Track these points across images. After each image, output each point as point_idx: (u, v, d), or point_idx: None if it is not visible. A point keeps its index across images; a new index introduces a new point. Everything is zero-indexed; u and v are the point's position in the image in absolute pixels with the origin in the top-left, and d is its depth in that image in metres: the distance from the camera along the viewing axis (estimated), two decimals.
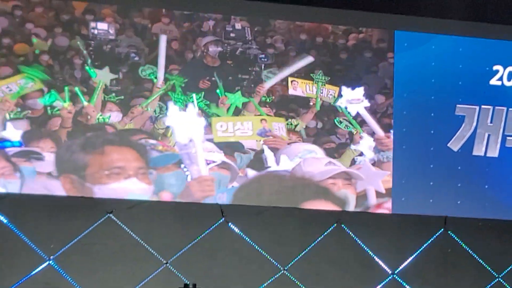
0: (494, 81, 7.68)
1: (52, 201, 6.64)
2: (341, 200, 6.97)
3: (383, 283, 7.14)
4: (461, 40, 7.65)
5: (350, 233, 7.14)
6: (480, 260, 7.28)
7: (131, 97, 6.81)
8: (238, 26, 7.00)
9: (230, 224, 6.93)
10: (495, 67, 7.69)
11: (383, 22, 7.55)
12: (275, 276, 6.94)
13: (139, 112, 6.75)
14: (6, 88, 6.62)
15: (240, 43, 7.00)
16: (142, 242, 6.74)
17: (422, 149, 7.45)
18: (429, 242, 7.26)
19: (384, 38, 7.45)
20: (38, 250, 6.55)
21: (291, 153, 7.00)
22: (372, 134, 7.22)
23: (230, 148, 6.91)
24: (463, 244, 7.30)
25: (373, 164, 7.18)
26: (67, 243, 6.60)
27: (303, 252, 7.01)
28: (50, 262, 6.57)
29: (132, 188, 6.59)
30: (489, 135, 7.61)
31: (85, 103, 6.68)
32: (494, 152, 7.59)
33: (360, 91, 7.21)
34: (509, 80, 7.71)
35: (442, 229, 7.30)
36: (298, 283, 6.98)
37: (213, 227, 6.88)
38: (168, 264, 6.76)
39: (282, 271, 6.97)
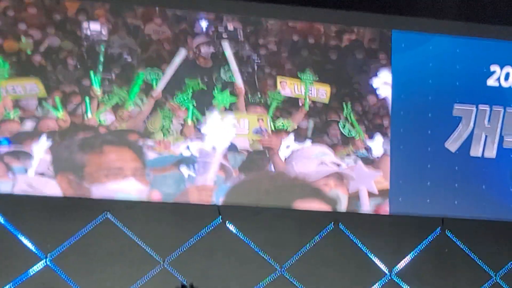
0: (491, 82, 7.70)
1: (49, 201, 6.63)
2: (333, 200, 6.99)
3: (381, 283, 7.14)
4: (459, 40, 7.66)
5: (348, 233, 7.14)
6: (477, 260, 7.30)
7: (124, 99, 6.83)
8: (230, 27, 7.01)
9: (227, 224, 6.92)
10: (492, 68, 7.70)
11: (381, 23, 7.57)
12: (273, 276, 6.94)
13: (127, 115, 6.74)
14: (11, 89, 6.62)
15: (233, 44, 7.03)
16: (139, 242, 6.73)
17: (419, 150, 7.46)
18: (426, 242, 7.26)
19: (375, 39, 7.46)
20: (35, 250, 6.54)
21: (303, 156, 7.03)
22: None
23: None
24: (460, 244, 7.31)
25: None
26: (64, 243, 6.59)
27: (301, 252, 7.02)
28: (47, 262, 6.55)
29: (129, 188, 6.61)
30: (486, 136, 7.62)
31: (90, 116, 6.66)
32: (491, 153, 7.60)
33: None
34: (506, 80, 7.72)
35: (439, 229, 7.31)
36: (296, 283, 6.97)
37: (210, 227, 6.88)
38: (165, 264, 6.75)
39: (280, 271, 6.97)
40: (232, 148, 6.94)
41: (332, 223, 7.11)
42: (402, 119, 7.47)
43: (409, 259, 7.20)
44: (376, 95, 7.34)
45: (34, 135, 6.62)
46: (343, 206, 7.01)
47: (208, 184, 6.76)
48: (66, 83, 6.73)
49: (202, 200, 6.77)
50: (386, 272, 7.16)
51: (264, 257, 6.94)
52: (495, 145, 7.61)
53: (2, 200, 6.51)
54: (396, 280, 7.16)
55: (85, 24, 6.73)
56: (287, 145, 7.03)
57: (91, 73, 6.72)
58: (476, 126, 7.60)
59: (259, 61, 7.01)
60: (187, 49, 6.89)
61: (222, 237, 6.89)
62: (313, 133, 7.11)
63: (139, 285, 6.66)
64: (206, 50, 6.95)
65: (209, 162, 6.72)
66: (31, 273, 6.49)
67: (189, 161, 6.78)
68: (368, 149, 7.22)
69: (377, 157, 7.22)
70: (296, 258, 7.00)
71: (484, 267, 7.30)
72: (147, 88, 6.85)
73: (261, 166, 6.97)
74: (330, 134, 7.16)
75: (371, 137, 7.27)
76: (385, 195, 7.19)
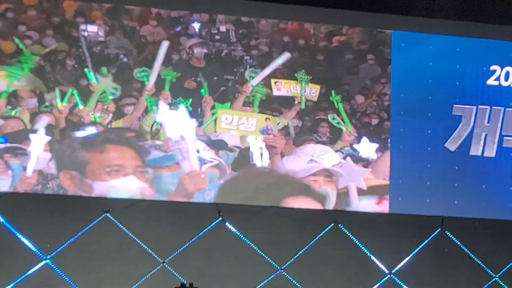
0: (491, 81, 7.69)
1: (49, 200, 6.64)
2: (322, 197, 7.03)
3: (380, 283, 7.14)
4: (458, 40, 7.66)
5: (347, 233, 7.14)
6: (477, 260, 7.29)
7: (121, 97, 6.95)
8: (222, 28, 7.15)
9: (227, 223, 6.93)
10: (492, 67, 7.70)
11: (381, 22, 7.57)
12: (272, 276, 6.94)
13: (112, 109, 6.87)
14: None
15: (225, 45, 7.16)
16: (138, 241, 6.74)
17: (419, 149, 7.46)
18: (426, 242, 7.26)
19: (365, 40, 7.50)
20: (35, 250, 6.55)
21: (305, 153, 7.09)
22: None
23: (216, 146, 7.02)
24: (460, 244, 7.31)
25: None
26: (64, 243, 6.60)
27: (300, 252, 7.02)
28: (47, 261, 6.56)
29: (130, 185, 6.67)
30: (486, 135, 7.61)
31: (81, 107, 6.78)
32: (491, 152, 7.59)
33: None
34: (506, 80, 7.71)
35: (439, 229, 7.30)
36: (295, 283, 6.98)
37: (210, 226, 6.89)
38: (165, 264, 6.76)
39: (279, 271, 6.97)
40: (223, 145, 7.03)
41: (332, 223, 7.12)
42: (402, 119, 7.47)
43: (408, 259, 7.20)
44: (365, 95, 7.41)
45: (32, 131, 6.70)
46: (332, 203, 7.04)
47: (196, 169, 6.80)
48: (65, 83, 6.84)
49: (197, 184, 6.80)
50: (386, 271, 7.16)
51: (264, 256, 6.94)
52: (495, 145, 7.60)
53: (1, 200, 6.52)
54: (395, 280, 7.16)
55: (82, 26, 6.87)
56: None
57: (87, 70, 6.86)
58: (476, 126, 7.60)
59: (251, 61, 7.12)
60: (170, 42, 7.03)
61: (221, 237, 6.90)
62: (304, 131, 7.19)
63: (138, 285, 6.66)
64: (199, 50, 7.09)
65: (182, 148, 6.79)
66: (31, 272, 6.50)
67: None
68: (355, 147, 7.27)
69: (366, 156, 7.27)
70: (296, 258, 7.00)
71: (484, 267, 7.29)
72: (141, 86, 6.95)
73: (252, 162, 7.05)
74: (320, 133, 7.23)
75: (359, 136, 7.30)
76: (375, 191, 7.20)
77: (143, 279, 6.70)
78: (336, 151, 7.18)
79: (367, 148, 7.28)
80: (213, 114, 7.06)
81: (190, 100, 7.01)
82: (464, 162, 7.51)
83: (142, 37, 7.01)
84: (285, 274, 6.98)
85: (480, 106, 7.63)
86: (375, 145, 7.30)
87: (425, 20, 7.58)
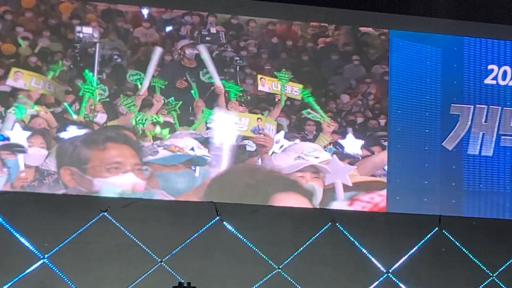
0: (488, 80, 7.70)
1: (46, 199, 6.64)
2: (309, 192, 7.15)
3: (378, 281, 7.15)
4: (456, 39, 7.67)
5: (345, 232, 7.15)
6: (474, 259, 7.30)
7: (114, 97, 7.07)
8: (213, 30, 7.34)
9: (224, 223, 6.93)
10: (489, 67, 7.70)
11: (379, 22, 7.57)
12: (270, 275, 6.95)
13: (99, 109, 7.00)
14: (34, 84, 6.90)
15: (216, 46, 7.33)
16: (136, 240, 6.74)
17: (416, 148, 7.47)
18: (423, 241, 7.27)
19: (350, 42, 7.57)
20: (33, 249, 6.55)
21: (295, 151, 7.22)
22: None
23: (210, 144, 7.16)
24: (457, 243, 7.32)
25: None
26: (62, 242, 6.60)
27: (298, 251, 7.02)
28: (45, 260, 6.56)
29: (128, 182, 6.78)
30: (483, 134, 7.62)
31: (75, 117, 6.93)
32: (488, 151, 7.60)
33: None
34: (503, 79, 7.72)
35: (436, 228, 7.31)
36: (293, 282, 6.98)
37: (208, 225, 6.89)
38: (162, 263, 6.76)
39: (277, 270, 6.97)
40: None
41: (330, 222, 7.13)
42: (400, 118, 7.48)
43: (406, 258, 7.21)
44: (350, 95, 7.51)
45: (29, 129, 6.82)
46: (318, 198, 7.16)
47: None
48: (61, 83, 6.97)
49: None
50: (384, 270, 7.17)
51: (262, 255, 6.95)
52: (492, 144, 7.62)
53: None
54: (393, 279, 7.17)
55: (78, 28, 7.04)
56: (277, 141, 7.26)
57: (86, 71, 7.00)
58: (474, 125, 7.61)
59: (241, 61, 7.31)
60: (163, 48, 7.21)
61: (219, 236, 6.90)
62: (291, 130, 7.33)
63: (136, 284, 6.67)
64: (190, 51, 7.27)
65: (219, 155, 7.07)
66: (28, 272, 6.50)
67: (199, 160, 7.04)
68: (341, 143, 7.37)
69: (352, 152, 7.34)
70: (294, 257, 7.01)
71: (481, 266, 7.31)
72: (135, 89, 7.10)
73: (242, 160, 7.19)
74: (307, 130, 7.35)
75: (344, 134, 7.40)
76: (359, 187, 7.28)
77: (141, 278, 6.70)
78: (324, 147, 7.30)
79: (352, 144, 7.37)
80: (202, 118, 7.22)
81: (181, 102, 7.15)
82: (461, 161, 7.52)
83: (135, 38, 7.19)
84: (283, 273, 6.98)
85: (477, 105, 7.64)
86: (361, 142, 7.39)
87: (423, 19, 7.59)
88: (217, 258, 6.87)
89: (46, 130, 6.80)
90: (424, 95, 7.54)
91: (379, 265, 7.18)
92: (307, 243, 7.05)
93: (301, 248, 7.03)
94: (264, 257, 6.95)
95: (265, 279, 6.93)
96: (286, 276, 6.98)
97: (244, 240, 6.94)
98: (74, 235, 6.62)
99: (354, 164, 7.30)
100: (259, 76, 7.33)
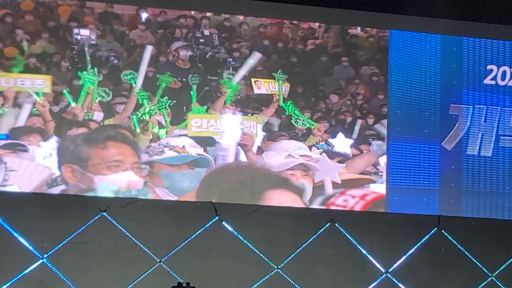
0: (488, 81, 7.70)
1: (45, 199, 6.64)
2: (300, 190, 7.24)
3: (377, 281, 7.15)
4: (455, 39, 7.67)
5: (344, 232, 7.15)
6: (473, 259, 7.31)
7: (112, 97, 7.18)
8: (206, 32, 7.48)
9: (223, 222, 6.93)
10: (489, 67, 7.71)
11: (379, 22, 7.58)
12: (269, 275, 6.95)
13: (96, 108, 7.11)
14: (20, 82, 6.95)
15: (209, 48, 7.46)
16: (135, 240, 6.74)
17: (416, 148, 7.47)
18: (422, 241, 7.27)
19: (338, 44, 7.65)
20: (32, 249, 6.55)
21: (281, 148, 7.32)
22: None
23: (205, 143, 7.25)
24: (456, 243, 7.32)
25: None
26: (61, 242, 6.60)
27: (297, 251, 7.02)
28: (44, 260, 6.56)
29: (128, 180, 6.85)
30: (482, 135, 7.63)
31: (73, 104, 7.02)
32: (487, 151, 7.61)
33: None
34: (502, 79, 7.73)
35: (435, 228, 7.32)
36: (292, 282, 6.98)
37: (207, 225, 6.89)
38: (161, 263, 6.76)
39: (276, 270, 6.98)
40: (212, 142, 7.24)
41: (329, 222, 7.13)
42: (399, 118, 7.49)
43: (405, 258, 7.21)
44: (339, 95, 7.60)
45: (28, 129, 6.92)
46: (308, 195, 7.24)
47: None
48: (60, 83, 7.08)
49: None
50: (383, 271, 7.18)
51: (261, 255, 6.95)
52: (492, 144, 7.62)
53: None
54: (392, 279, 7.18)
55: (75, 30, 7.17)
56: (261, 139, 7.39)
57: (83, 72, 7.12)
58: (473, 125, 7.62)
59: (234, 63, 7.42)
60: (154, 46, 7.33)
61: (218, 236, 6.90)
62: (281, 128, 7.44)
63: (135, 284, 6.66)
64: (184, 53, 7.39)
65: (226, 156, 7.22)
66: (27, 272, 6.50)
67: (202, 161, 7.13)
68: (331, 142, 7.46)
69: (342, 151, 7.42)
70: (293, 257, 7.01)
71: (480, 266, 7.31)
72: (130, 86, 7.20)
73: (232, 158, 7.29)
74: (297, 129, 7.45)
75: (334, 133, 7.47)
76: (347, 185, 7.34)
77: (140, 278, 6.70)
78: (311, 146, 7.40)
79: (342, 143, 7.44)
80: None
81: (171, 101, 7.24)
82: (460, 162, 7.53)
83: (131, 40, 7.32)
84: (282, 273, 6.98)
85: (476, 106, 7.64)
86: (350, 141, 7.46)
87: (422, 20, 7.59)
88: (216, 258, 6.87)
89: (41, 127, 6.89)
90: (423, 95, 7.55)
91: (378, 265, 7.18)
92: (306, 243, 7.05)
93: (300, 248, 7.03)
94: (263, 257, 6.96)
95: (264, 279, 6.93)
96: (285, 276, 6.98)
97: (243, 240, 6.94)
98: (73, 235, 6.62)
99: (343, 162, 7.37)
100: (253, 80, 7.43)
